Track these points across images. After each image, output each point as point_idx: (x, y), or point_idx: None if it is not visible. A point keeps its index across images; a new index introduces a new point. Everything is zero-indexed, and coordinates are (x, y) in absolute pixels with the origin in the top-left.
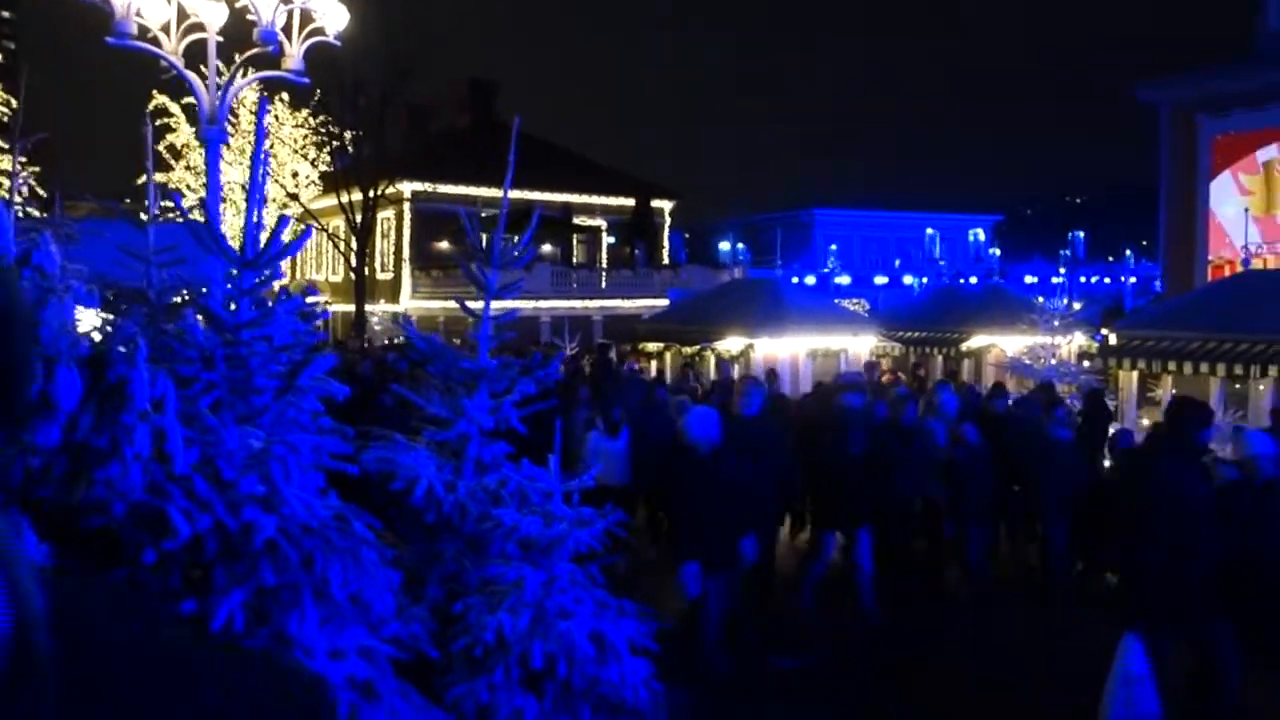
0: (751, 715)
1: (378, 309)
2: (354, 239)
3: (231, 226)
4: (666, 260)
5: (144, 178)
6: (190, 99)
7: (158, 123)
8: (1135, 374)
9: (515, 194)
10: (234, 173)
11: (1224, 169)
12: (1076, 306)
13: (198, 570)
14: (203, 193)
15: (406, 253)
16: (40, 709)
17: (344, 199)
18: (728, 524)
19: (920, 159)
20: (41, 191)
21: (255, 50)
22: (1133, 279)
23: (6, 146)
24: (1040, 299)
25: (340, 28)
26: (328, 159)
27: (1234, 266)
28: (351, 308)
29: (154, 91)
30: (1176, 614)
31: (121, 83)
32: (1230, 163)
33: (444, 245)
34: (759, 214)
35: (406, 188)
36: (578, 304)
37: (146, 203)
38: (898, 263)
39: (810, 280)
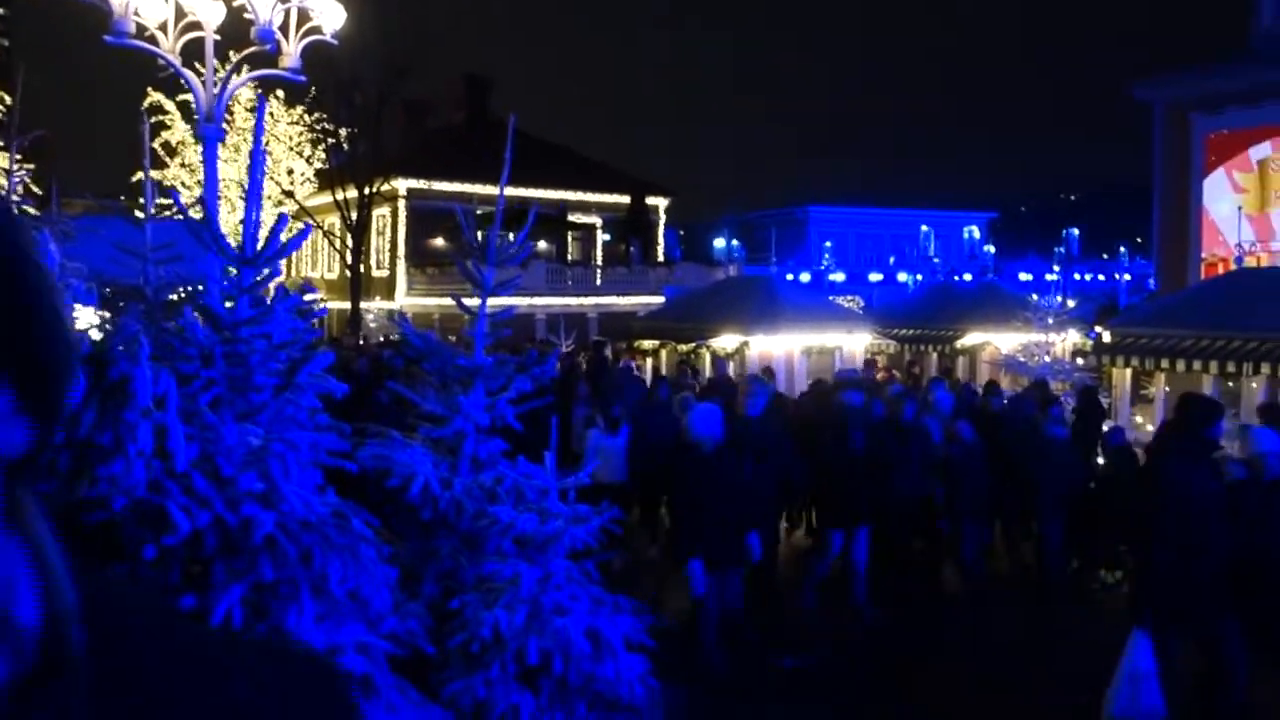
0: (751, 715)
1: (373, 306)
2: (349, 236)
3: (226, 224)
4: (661, 257)
5: (139, 175)
6: (184, 96)
7: (152, 120)
8: (1129, 372)
9: (510, 191)
10: (228, 170)
11: (1218, 167)
12: (1071, 304)
13: (197, 566)
14: (197, 190)
15: (402, 250)
16: (71, 704)
17: (339, 196)
18: (728, 523)
19: (918, 158)
20: (37, 189)
21: (253, 49)
22: (1127, 276)
23: (2, 144)
24: (1034, 296)
25: (337, 27)
26: (323, 156)
27: (1227, 264)
28: (347, 305)
29: (149, 89)
30: (1184, 612)
31: (117, 80)
32: (1224, 160)
33: (439, 242)
34: (753, 211)
35: (402, 185)
36: (573, 301)
37: (142, 200)
38: (892, 260)
39: (805, 277)
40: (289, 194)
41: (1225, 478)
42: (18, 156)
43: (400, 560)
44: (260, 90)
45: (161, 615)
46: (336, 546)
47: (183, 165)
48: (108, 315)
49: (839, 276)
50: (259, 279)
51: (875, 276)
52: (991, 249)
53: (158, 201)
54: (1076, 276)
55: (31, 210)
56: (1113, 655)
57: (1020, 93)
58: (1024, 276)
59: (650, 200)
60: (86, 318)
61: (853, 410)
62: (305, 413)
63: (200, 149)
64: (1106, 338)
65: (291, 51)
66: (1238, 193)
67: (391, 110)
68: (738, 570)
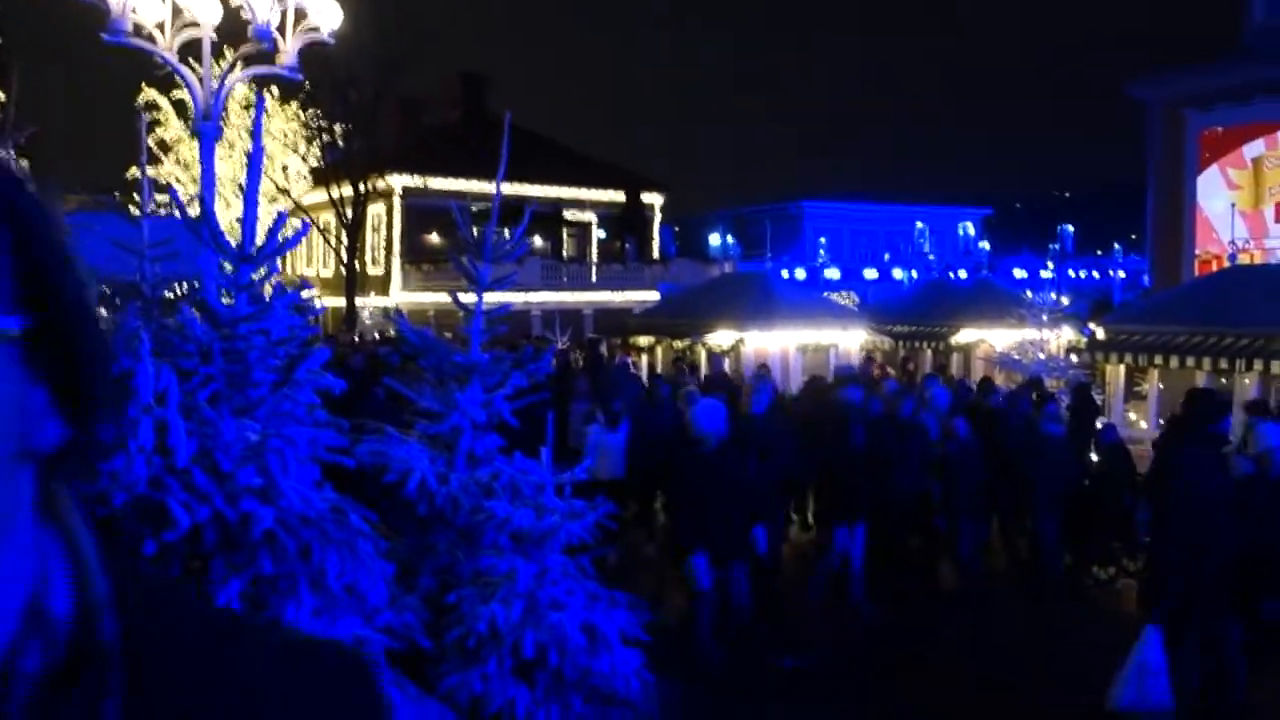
0: (751, 715)
1: (368, 303)
2: (344, 233)
3: (220, 220)
4: (656, 254)
5: (133, 171)
6: (178, 92)
7: (145, 117)
8: (1122, 368)
9: (506, 188)
10: (222, 166)
11: (1211, 164)
12: (1065, 301)
13: (197, 561)
14: (191, 186)
15: (397, 247)
16: (102, 694)
17: (334, 193)
18: (732, 520)
19: (917, 158)
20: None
21: (249, 47)
22: (1121, 273)
23: None
24: (1029, 293)
25: (335, 25)
26: (318, 153)
27: (1220, 261)
28: (342, 302)
29: (142, 85)
30: (1189, 609)
31: (110, 78)
32: (1218, 158)
33: (435, 239)
34: (748, 206)
35: (397, 182)
36: (568, 297)
37: (136, 196)
38: (887, 256)
39: (800, 274)
40: (284, 191)
41: (1233, 473)
42: (12, 153)
43: (397, 555)
44: (258, 89)
45: (193, 606)
46: (335, 541)
47: (177, 162)
48: (105, 312)
49: (834, 273)
50: (257, 276)
51: (870, 273)
52: (986, 245)
53: (155, 198)
54: (1071, 273)
55: None
56: (1110, 652)
57: (1020, 93)
58: (1019, 273)
59: (645, 197)
60: None
61: (853, 407)
62: (303, 408)
63: (194, 145)
64: (1100, 334)
65: (289, 50)
66: (1231, 190)
67: (387, 107)
68: (742, 566)
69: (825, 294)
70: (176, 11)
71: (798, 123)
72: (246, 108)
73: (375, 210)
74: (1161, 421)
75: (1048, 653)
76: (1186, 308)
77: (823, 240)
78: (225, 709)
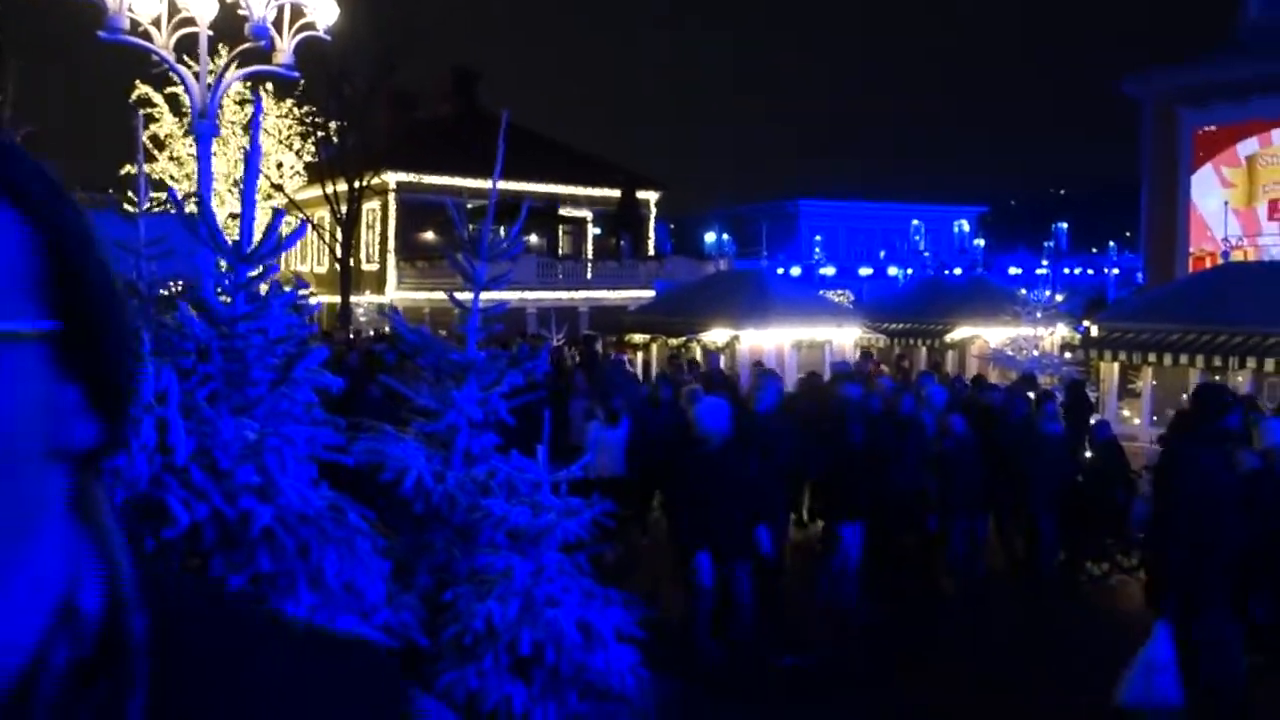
0: (750, 714)
1: (363, 300)
2: (339, 230)
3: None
4: (652, 251)
5: (127, 168)
6: (173, 89)
7: (141, 113)
8: (1116, 365)
9: (501, 185)
10: (216, 163)
11: (1206, 162)
12: (1059, 298)
13: (196, 559)
14: (186, 184)
15: (392, 244)
16: (127, 691)
17: (329, 190)
18: (735, 519)
19: (917, 157)
20: None
21: (246, 45)
22: (1115, 271)
23: None
24: (1023, 291)
25: (330, 22)
26: (312, 150)
27: (1214, 259)
28: (336, 299)
29: (137, 81)
30: (1191, 607)
31: (104, 74)
32: (1212, 156)
33: (430, 236)
34: (744, 204)
35: (391, 178)
36: (564, 295)
37: (130, 193)
38: (882, 254)
39: (795, 271)
40: (278, 188)
41: (1239, 468)
42: None
43: (394, 553)
44: (250, 85)
45: (221, 603)
46: (333, 539)
47: (171, 158)
48: None
49: (829, 270)
50: (255, 274)
51: (865, 270)
52: (981, 243)
53: (152, 196)
54: (1065, 271)
55: None
56: (1109, 650)
57: (1020, 92)
58: (1013, 271)
59: (641, 194)
60: None
61: (851, 403)
62: (301, 407)
63: (189, 142)
64: (1094, 332)
65: (285, 47)
66: (1225, 188)
67: (381, 102)
68: (745, 566)
69: (820, 292)
70: (173, 9)
71: (797, 123)
72: (240, 103)
73: (370, 207)
74: (1155, 418)
75: (1047, 651)
76: (1180, 305)
77: (818, 239)
78: (251, 706)
